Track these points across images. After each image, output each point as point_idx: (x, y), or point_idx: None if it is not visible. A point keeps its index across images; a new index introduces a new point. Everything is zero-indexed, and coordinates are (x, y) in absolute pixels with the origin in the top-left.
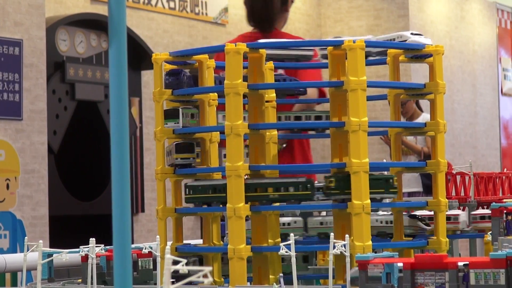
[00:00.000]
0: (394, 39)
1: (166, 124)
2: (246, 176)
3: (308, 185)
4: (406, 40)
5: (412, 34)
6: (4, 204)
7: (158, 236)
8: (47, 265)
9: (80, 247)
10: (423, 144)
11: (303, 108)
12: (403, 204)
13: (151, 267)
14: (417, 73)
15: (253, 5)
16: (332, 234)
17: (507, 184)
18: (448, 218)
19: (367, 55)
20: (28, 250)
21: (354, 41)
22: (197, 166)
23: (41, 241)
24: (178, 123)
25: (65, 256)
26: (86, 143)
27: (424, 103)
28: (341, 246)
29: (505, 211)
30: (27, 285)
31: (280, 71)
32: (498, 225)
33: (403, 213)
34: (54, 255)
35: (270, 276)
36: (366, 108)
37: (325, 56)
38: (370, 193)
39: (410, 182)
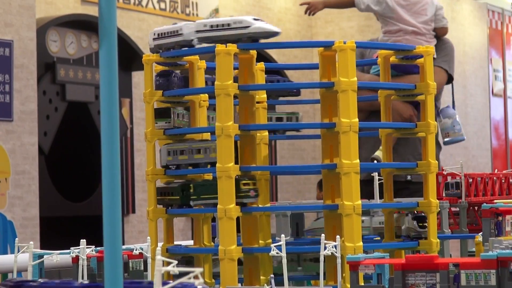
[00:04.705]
0: (229, 24)
1: (157, 123)
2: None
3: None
4: (249, 26)
5: (254, 19)
6: None
7: (149, 237)
8: (38, 267)
9: (71, 248)
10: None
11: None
12: (394, 205)
13: (142, 268)
14: None
15: None
16: (323, 235)
17: (498, 185)
18: None
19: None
20: (18, 252)
21: (344, 42)
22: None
23: (31, 242)
24: (169, 122)
25: (56, 258)
26: (77, 144)
27: None
28: (332, 247)
29: (495, 212)
30: None
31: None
32: (489, 225)
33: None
34: (45, 256)
35: (261, 277)
36: (356, 109)
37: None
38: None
39: None
